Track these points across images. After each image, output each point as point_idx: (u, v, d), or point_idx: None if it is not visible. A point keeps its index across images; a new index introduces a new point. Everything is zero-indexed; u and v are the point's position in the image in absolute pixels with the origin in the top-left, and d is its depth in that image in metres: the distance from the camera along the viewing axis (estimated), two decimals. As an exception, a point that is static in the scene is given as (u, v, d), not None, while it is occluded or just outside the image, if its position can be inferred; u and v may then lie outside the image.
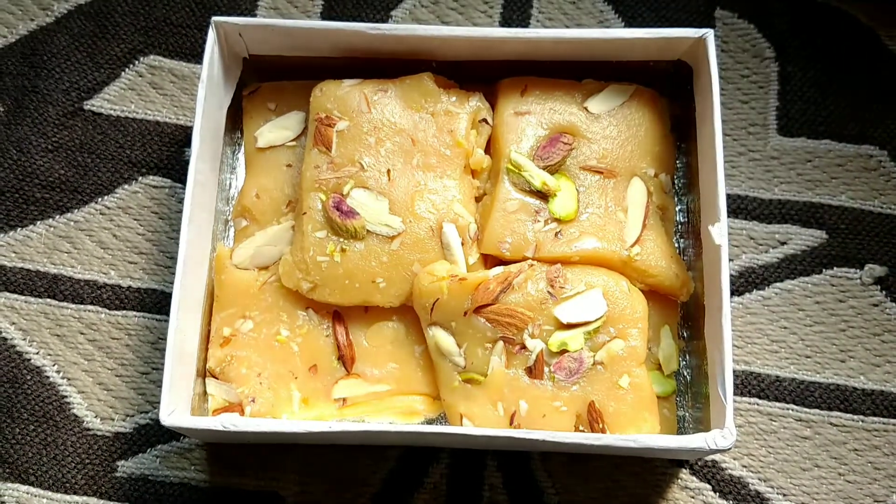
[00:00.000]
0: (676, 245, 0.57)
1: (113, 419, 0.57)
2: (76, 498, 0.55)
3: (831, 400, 0.57)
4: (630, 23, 0.64)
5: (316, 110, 0.55)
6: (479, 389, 0.52)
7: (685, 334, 0.56)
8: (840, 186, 0.60)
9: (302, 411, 0.53)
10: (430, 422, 0.54)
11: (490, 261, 0.54)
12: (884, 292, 0.58)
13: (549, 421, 0.50)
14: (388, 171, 0.54)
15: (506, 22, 0.64)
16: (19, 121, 0.61)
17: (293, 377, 0.54)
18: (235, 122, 0.59)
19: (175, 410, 0.49)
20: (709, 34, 0.53)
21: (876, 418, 0.56)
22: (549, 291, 0.52)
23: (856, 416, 0.56)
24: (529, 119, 0.55)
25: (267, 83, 0.59)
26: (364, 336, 0.55)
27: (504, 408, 0.51)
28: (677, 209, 0.58)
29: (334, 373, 0.54)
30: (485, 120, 0.56)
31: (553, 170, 0.55)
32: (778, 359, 0.58)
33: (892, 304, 0.58)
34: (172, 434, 0.56)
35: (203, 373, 0.54)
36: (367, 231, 0.53)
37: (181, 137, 0.61)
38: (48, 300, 0.58)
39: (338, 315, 0.55)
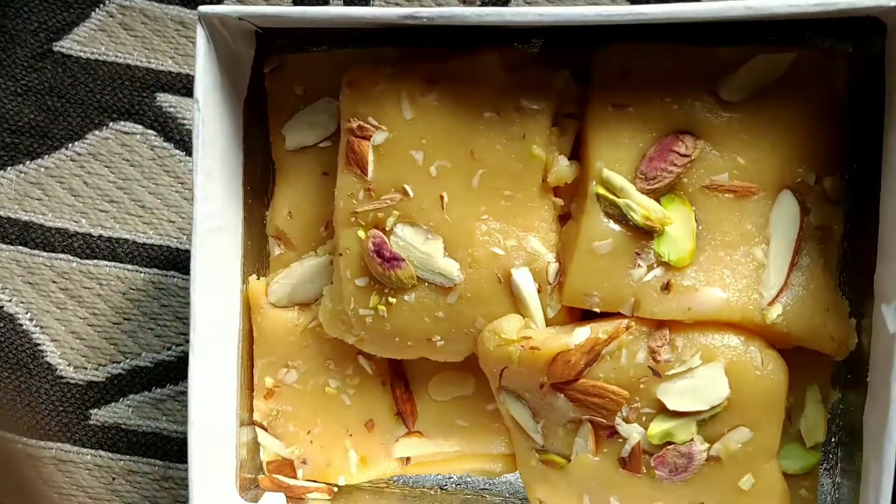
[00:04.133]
0: (839, 278, 0.42)
1: (86, 368, 0.56)
2: (50, 444, 0.56)
3: None
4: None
5: (346, 115, 0.42)
6: (560, 475, 0.42)
7: (841, 381, 0.43)
8: None
9: (360, 472, 0.46)
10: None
11: (576, 310, 0.42)
12: None
13: (646, 528, 0.41)
14: (441, 197, 0.41)
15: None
16: (-13, 63, 0.55)
17: (347, 434, 0.46)
18: (258, 102, 0.46)
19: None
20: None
21: None
22: (650, 367, 0.39)
23: None
24: (632, 115, 0.40)
25: (292, 56, 0.45)
26: (427, 388, 0.45)
27: (591, 502, 0.42)
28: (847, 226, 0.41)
29: (394, 430, 0.46)
30: (571, 114, 0.41)
31: (662, 192, 0.40)
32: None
33: None
34: (145, 384, 0.55)
35: (248, 421, 0.47)
36: (418, 278, 0.42)
37: (152, 82, 0.56)
38: (19, 247, 0.57)
39: (394, 363, 0.45)
